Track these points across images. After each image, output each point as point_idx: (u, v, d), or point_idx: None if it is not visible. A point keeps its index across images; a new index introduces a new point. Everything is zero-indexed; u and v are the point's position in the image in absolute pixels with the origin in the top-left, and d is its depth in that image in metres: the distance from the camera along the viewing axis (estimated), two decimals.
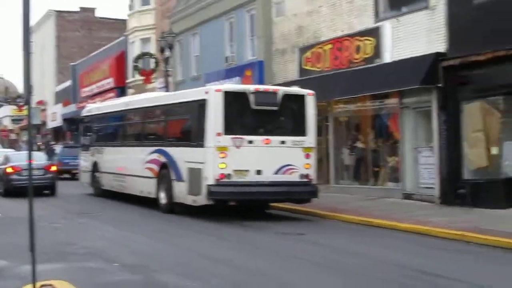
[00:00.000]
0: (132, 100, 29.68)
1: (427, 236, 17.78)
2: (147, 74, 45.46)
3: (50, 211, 24.19)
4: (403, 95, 24.97)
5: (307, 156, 21.68)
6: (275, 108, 21.69)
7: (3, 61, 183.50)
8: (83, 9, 77.45)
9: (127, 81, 51.50)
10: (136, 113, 28.00)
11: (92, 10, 78.10)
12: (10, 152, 39.98)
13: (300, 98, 22.10)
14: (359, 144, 27.85)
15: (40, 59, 77.14)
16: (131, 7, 50.56)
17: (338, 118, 28.98)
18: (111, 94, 51.97)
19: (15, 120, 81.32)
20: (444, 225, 18.44)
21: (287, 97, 21.90)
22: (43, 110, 73.69)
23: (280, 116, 22.15)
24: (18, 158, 32.55)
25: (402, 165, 25.20)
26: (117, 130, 30.42)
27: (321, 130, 30.81)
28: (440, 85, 23.07)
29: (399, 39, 25.05)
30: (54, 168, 32.64)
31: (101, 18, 77.79)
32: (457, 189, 22.61)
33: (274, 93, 21.86)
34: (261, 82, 32.38)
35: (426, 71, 23.04)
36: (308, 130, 21.93)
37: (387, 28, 25.43)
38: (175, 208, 23.07)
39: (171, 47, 35.58)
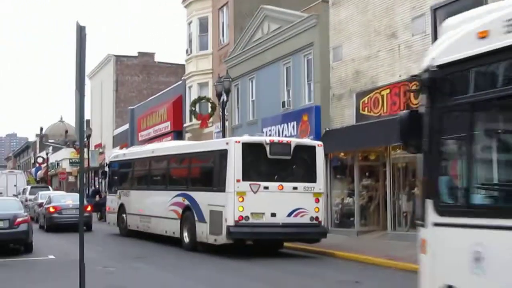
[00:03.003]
0: (157, 148, 32.11)
1: None
2: (203, 119, 45.56)
3: (98, 254, 24.41)
4: None
5: (317, 201, 24.12)
6: (288, 157, 24.13)
7: (63, 105, 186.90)
8: (142, 54, 78.23)
9: (184, 125, 51.70)
10: (161, 160, 30.51)
11: (151, 54, 78.85)
12: (52, 193, 45.33)
13: (311, 149, 24.67)
14: (417, 191, 27.34)
15: (99, 103, 78.06)
16: (188, 51, 50.92)
17: (396, 164, 28.57)
18: (168, 138, 52.18)
19: (73, 163, 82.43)
20: None
21: (299, 148, 24.46)
22: (101, 153, 74.37)
23: (292, 165, 24.74)
24: (59, 198, 38.94)
25: None
26: (142, 175, 32.73)
27: (378, 176, 30.56)
28: None
29: None
30: (89, 208, 38.22)
31: (159, 62, 78.52)
32: None
33: (287, 144, 24.29)
34: (317, 127, 32.27)
35: None
36: (317, 177, 24.32)
37: None
38: (198, 247, 25.31)
39: (227, 91, 35.54)
